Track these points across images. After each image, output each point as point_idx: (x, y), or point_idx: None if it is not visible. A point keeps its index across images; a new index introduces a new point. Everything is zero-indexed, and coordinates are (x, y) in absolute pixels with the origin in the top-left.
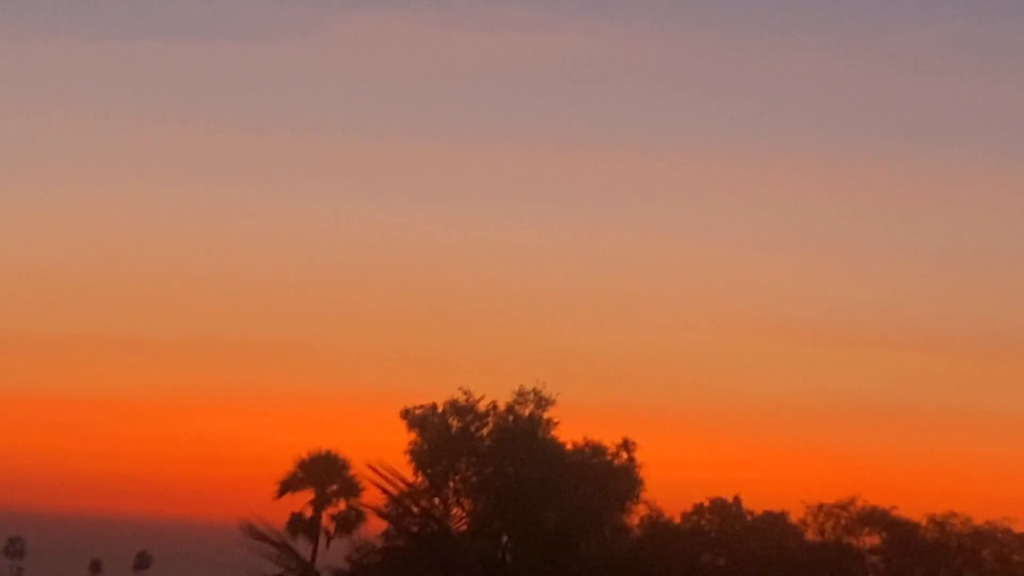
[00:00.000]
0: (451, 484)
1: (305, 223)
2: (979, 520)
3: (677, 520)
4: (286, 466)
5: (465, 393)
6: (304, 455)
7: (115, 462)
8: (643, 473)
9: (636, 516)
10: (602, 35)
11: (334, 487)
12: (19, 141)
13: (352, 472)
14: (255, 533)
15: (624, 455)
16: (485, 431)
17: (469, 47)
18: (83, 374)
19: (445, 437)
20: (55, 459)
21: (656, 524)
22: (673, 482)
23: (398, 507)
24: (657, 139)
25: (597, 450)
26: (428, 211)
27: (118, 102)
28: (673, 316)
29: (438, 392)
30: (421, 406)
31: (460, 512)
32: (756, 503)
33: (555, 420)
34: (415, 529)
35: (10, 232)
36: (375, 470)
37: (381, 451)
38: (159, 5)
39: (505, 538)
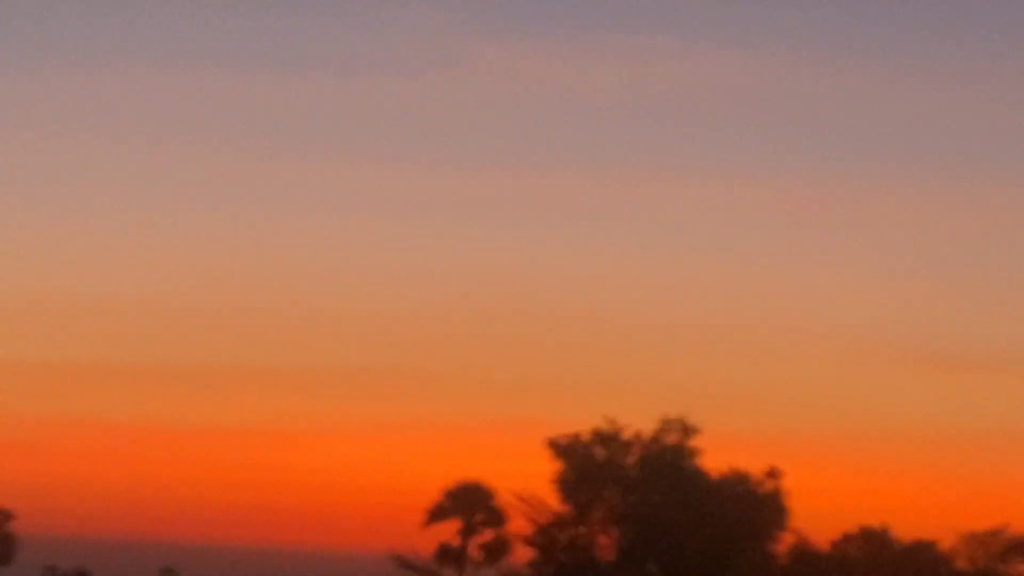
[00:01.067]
0: (597, 513)
1: (449, 253)
2: None
3: (825, 549)
4: (433, 496)
5: (610, 422)
6: (451, 485)
7: (262, 492)
8: (790, 501)
9: (783, 544)
10: (740, 64)
11: (481, 516)
12: (184, 176)
13: (499, 501)
14: (404, 563)
15: (770, 483)
16: (630, 460)
17: (607, 77)
18: (229, 405)
19: (591, 466)
20: (203, 490)
21: (804, 553)
22: (821, 510)
23: (545, 536)
24: (798, 167)
25: (742, 478)
26: (572, 240)
27: (273, 137)
28: (815, 344)
29: (584, 421)
30: (566, 435)
31: (606, 541)
32: (905, 531)
33: (700, 448)
34: (562, 558)
35: (157, 266)
36: (522, 499)
37: (527, 480)
38: (303, 39)
39: (651, 566)
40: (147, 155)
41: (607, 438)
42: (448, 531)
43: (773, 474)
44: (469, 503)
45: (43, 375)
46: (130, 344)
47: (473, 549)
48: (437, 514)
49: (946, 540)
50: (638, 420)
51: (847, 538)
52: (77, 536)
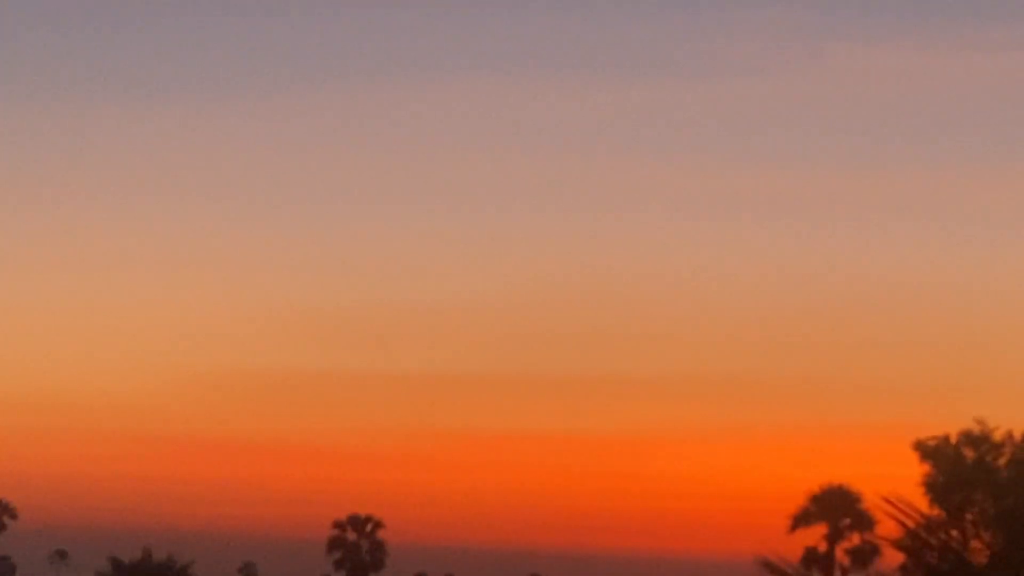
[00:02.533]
0: (968, 516)
1: (806, 255)
2: None
3: None
4: (797, 501)
5: (980, 423)
6: (815, 489)
7: (626, 499)
8: None
9: None
10: None
11: (847, 521)
12: (551, 184)
13: (865, 505)
14: (771, 568)
15: None
16: (1002, 461)
17: (962, 71)
18: (592, 412)
19: (960, 468)
20: (568, 497)
21: None
22: None
23: (915, 540)
24: None
25: None
26: (934, 240)
27: (627, 142)
28: None
29: (951, 422)
30: (934, 437)
31: (979, 545)
32: None
33: None
34: (933, 561)
35: (529, 275)
36: (890, 503)
37: (893, 483)
38: (654, 43)
39: None
40: (519, 163)
41: (977, 439)
42: (814, 536)
43: None
44: (835, 507)
45: (412, 387)
46: (497, 354)
47: (840, 554)
48: (802, 519)
49: None
50: (1009, 421)
51: None
52: (444, 544)
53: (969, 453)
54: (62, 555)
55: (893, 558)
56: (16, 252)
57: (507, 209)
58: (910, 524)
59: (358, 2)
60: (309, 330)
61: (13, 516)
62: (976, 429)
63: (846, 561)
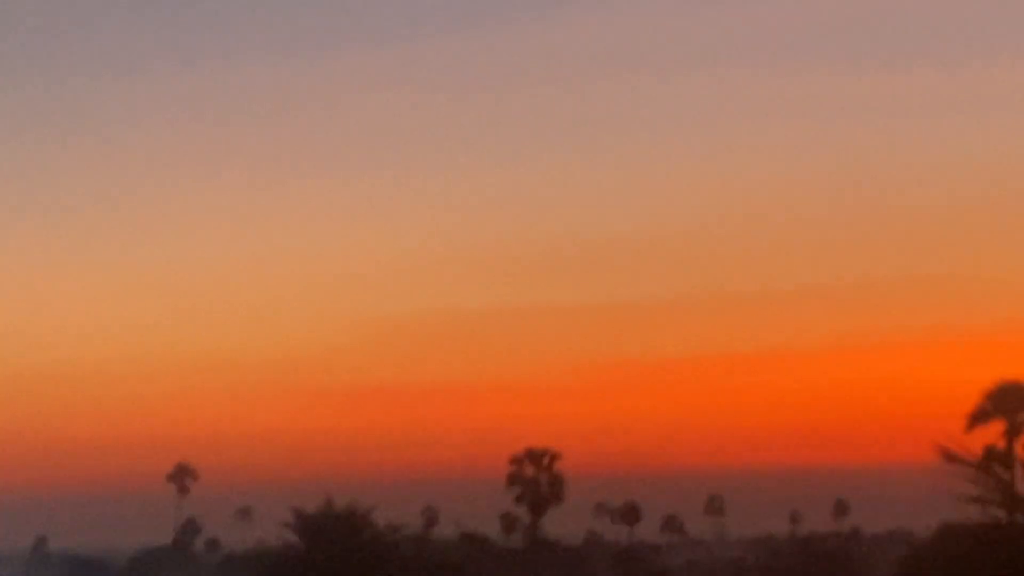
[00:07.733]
0: None
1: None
2: None
3: None
4: (974, 399)
5: None
6: (991, 386)
7: (804, 412)
8: None
9: None
10: None
11: None
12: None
13: None
14: (951, 456)
15: None
16: None
17: None
18: (761, 329)
19: None
20: (744, 415)
21: None
22: None
23: None
24: None
25: None
26: None
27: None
28: None
29: None
30: None
31: None
32: None
33: None
34: None
35: (696, 204)
36: None
37: None
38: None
39: None
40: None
41: None
42: (992, 434)
43: None
44: (1011, 403)
45: (584, 318)
46: (665, 279)
47: (1021, 449)
48: (979, 417)
49: None
50: None
51: None
52: (623, 472)
53: None
54: (246, 512)
55: None
56: (189, 213)
57: (676, 142)
58: None
59: None
60: (476, 270)
61: (195, 478)
62: None
63: None
